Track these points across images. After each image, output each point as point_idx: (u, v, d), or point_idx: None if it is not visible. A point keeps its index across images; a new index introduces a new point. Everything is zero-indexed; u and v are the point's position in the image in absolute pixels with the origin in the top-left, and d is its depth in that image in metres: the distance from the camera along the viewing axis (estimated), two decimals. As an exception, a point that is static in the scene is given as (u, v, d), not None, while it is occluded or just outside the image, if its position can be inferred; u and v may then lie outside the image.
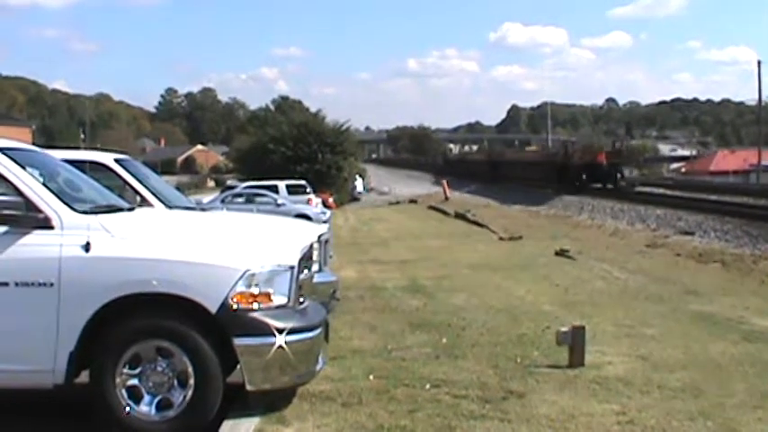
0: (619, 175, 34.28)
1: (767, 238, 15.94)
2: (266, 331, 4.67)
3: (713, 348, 6.87)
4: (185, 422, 4.65)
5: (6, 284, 4.65)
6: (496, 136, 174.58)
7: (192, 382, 4.67)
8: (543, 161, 41.86)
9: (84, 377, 4.79)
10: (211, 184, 76.86)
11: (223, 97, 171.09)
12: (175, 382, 4.71)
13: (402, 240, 19.25)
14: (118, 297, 4.64)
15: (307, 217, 18.54)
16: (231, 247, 4.94)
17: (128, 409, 4.66)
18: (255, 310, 4.69)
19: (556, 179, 35.31)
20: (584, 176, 33.93)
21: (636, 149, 42.47)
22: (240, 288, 4.66)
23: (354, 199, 47.97)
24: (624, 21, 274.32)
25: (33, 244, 4.72)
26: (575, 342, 6.15)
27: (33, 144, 10.70)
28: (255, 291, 4.70)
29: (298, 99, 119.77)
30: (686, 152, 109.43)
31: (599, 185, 33.11)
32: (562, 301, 9.42)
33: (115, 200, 6.02)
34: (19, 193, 4.80)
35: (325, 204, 31.99)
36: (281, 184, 32.50)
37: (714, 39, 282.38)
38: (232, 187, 36.08)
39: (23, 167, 4.98)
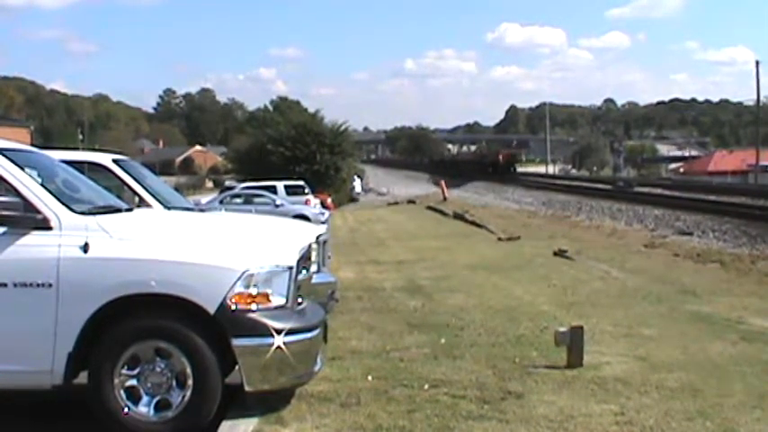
0: (512, 169, 56.14)
1: (765, 238, 15.93)
2: (265, 332, 4.68)
3: (711, 348, 6.87)
4: (184, 423, 4.65)
5: (5, 285, 4.65)
6: (495, 136, 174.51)
7: (190, 382, 4.67)
8: (474, 160, 65.81)
9: (82, 378, 4.79)
10: (210, 184, 76.89)
11: (221, 98, 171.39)
12: (174, 382, 4.71)
13: (400, 241, 19.24)
14: (116, 298, 4.64)
15: (305, 217, 18.55)
16: (229, 247, 4.94)
17: (126, 409, 4.66)
18: (254, 311, 4.69)
19: (478, 171, 55.50)
20: (489, 170, 54.68)
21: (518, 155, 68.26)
22: (239, 289, 4.66)
23: (353, 199, 47.97)
24: (621, 21, 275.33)
25: (32, 245, 4.72)
26: (573, 342, 6.15)
27: (31, 145, 10.71)
28: (254, 291, 4.70)
29: (296, 99, 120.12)
30: (684, 152, 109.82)
31: (501, 174, 51.61)
32: (560, 302, 9.42)
33: (113, 201, 6.02)
34: (17, 193, 4.80)
35: (323, 205, 31.99)
36: (280, 185, 32.50)
37: (711, 39, 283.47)
38: (230, 188, 36.05)
39: (22, 168, 4.99)
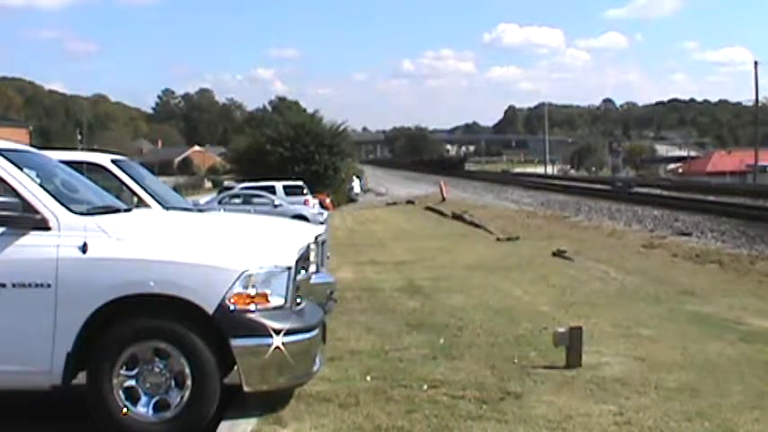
0: (461, 167, 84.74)
1: (764, 238, 15.94)
2: (263, 332, 4.67)
3: (710, 349, 6.87)
4: (182, 423, 4.65)
5: (4, 285, 4.64)
6: (493, 137, 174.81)
7: (189, 383, 4.66)
8: (438, 160, 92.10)
9: (81, 378, 4.79)
10: (208, 185, 76.80)
11: (220, 98, 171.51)
12: (173, 383, 4.70)
13: (399, 241, 19.23)
14: (115, 298, 4.63)
15: (304, 218, 18.53)
16: (228, 247, 4.94)
17: (125, 410, 4.65)
18: (253, 311, 4.69)
19: (441, 168, 76.23)
20: (446, 166, 79.26)
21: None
22: (237, 289, 4.66)
23: (351, 200, 47.88)
24: (619, 22, 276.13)
25: (30, 245, 4.71)
26: (572, 343, 6.15)
27: (30, 145, 10.69)
28: (252, 292, 4.70)
29: (295, 100, 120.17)
30: (683, 152, 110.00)
31: (452, 170, 74.65)
32: (559, 302, 9.42)
33: (112, 201, 6.02)
34: (16, 194, 4.80)
35: (322, 205, 31.93)
36: (279, 185, 32.45)
37: (709, 40, 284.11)
38: (229, 188, 36.02)
39: (20, 168, 4.98)
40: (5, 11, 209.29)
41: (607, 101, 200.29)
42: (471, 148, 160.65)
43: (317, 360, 5.15)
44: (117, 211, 5.46)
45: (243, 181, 39.65)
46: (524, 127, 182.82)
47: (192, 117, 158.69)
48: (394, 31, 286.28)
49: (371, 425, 4.76)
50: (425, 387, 5.57)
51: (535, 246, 16.31)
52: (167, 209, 8.26)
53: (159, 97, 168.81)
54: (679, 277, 11.74)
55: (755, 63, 58.76)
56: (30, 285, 4.65)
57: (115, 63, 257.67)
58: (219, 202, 26.61)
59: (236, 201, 27.59)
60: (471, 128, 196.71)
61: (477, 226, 22.28)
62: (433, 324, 8.04)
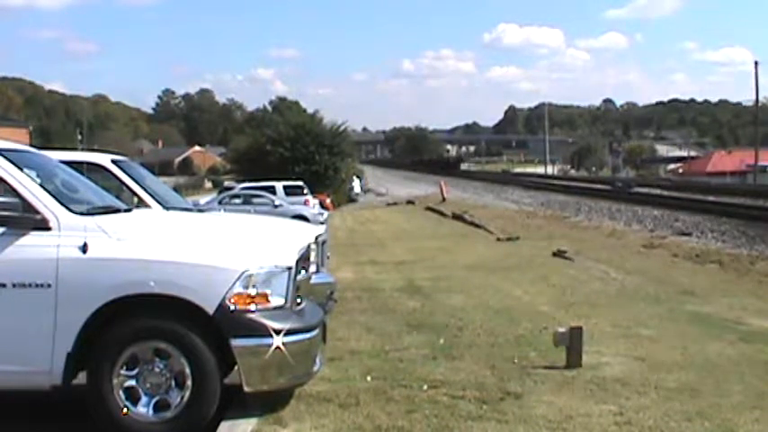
0: (457, 167, 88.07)
1: (764, 238, 15.94)
2: (264, 332, 4.67)
3: (710, 349, 6.87)
4: (183, 423, 4.65)
5: (4, 286, 4.64)
6: (493, 137, 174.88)
7: (189, 383, 4.66)
8: (436, 160, 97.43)
9: (81, 378, 4.79)
10: (209, 185, 76.83)
11: (220, 98, 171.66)
12: (173, 383, 4.70)
13: (399, 241, 19.23)
14: (115, 298, 4.63)
15: (304, 218, 18.55)
16: (228, 248, 4.94)
17: (125, 410, 4.65)
18: (253, 311, 4.69)
19: (439, 168, 78.94)
20: (444, 166, 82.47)
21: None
22: (238, 289, 4.66)
23: (352, 200, 47.89)
24: (619, 22, 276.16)
25: (30, 245, 4.71)
26: (572, 343, 6.15)
27: (30, 145, 10.69)
28: (253, 292, 4.70)
29: (295, 100, 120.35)
30: (683, 152, 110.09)
31: (450, 170, 76.68)
32: (559, 302, 9.41)
33: (112, 201, 6.02)
34: (16, 194, 4.80)
35: (322, 205, 31.95)
36: (279, 185, 32.46)
37: (709, 40, 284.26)
38: (229, 188, 36.02)
39: (20, 169, 4.98)
40: (5, 11, 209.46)
41: (607, 101, 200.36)
42: (471, 148, 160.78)
43: (318, 360, 5.15)
44: (117, 211, 5.46)
45: (243, 181, 39.65)
46: (524, 127, 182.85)
47: (192, 117, 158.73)
48: (394, 31, 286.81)
49: (372, 425, 4.76)
50: (425, 387, 5.57)
51: (535, 246, 16.31)
52: (167, 209, 8.26)
53: (159, 97, 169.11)
54: (679, 277, 11.74)
55: (755, 63, 59.09)
56: (30, 285, 4.65)
57: (115, 63, 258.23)
58: (220, 203, 26.62)
59: (237, 201, 27.59)
60: (471, 128, 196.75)
61: (477, 226, 22.28)
62: (433, 324, 8.04)
